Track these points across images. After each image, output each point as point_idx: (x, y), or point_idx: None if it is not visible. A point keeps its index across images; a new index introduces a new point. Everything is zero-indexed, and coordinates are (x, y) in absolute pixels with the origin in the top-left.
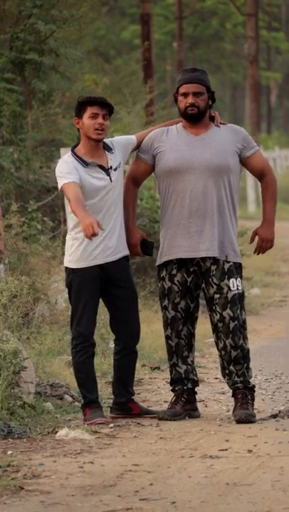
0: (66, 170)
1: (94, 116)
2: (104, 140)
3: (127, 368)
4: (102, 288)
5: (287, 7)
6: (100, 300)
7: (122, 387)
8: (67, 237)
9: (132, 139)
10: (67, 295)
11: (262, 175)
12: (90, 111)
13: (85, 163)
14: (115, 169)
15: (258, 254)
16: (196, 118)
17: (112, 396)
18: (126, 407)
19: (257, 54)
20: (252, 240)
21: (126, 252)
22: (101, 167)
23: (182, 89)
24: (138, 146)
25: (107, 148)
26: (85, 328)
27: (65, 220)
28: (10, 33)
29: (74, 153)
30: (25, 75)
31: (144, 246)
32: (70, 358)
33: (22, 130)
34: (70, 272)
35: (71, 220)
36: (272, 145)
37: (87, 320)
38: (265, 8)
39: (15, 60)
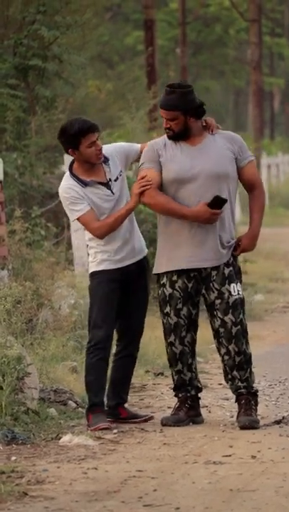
0: (72, 200)
1: (91, 144)
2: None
3: (123, 371)
4: (121, 292)
5: None
6: None
7: (114, 390)
8: (88, 246)
9: (136, 146)
10: (71, 301)
11: (252, 187)
12: (86, 141)
13: (83, 184)
14: (116, 179)
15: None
16: (174, 139)
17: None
18: (115, 411)
19: (260, 60)
20: (236, 247)
21: (144, 253)
22: (101, 183)
23: (160, 112)
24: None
25: (104, 159)
26: (98, 330)
27: (68, 226)
28: (13, 39)
29: (72, 175)
30: (29, 81)
31: (214, 206)
32: (74, 364)
33: (26, 136)
34: (90, 276)
35: (87, 232)
36: (276, 151)
37: (102, 323)
38: (268, 14)
39: (18, 66)
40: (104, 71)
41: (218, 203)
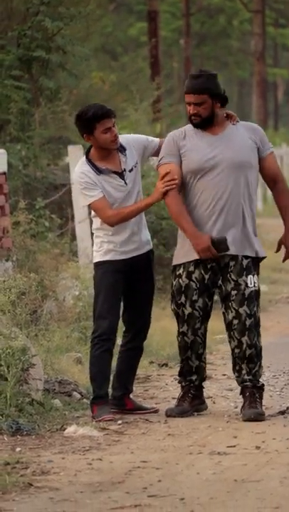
0: (87, 186)
1: (107, 130)
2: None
3: (129, 362)
4: (125, 283)
5: None
6: None
7: (120, 381)
8: (94, 236)
9: (155, 140)
10: (75, 292)
11: (274, 180)
12: (101, 126)
13: (98, 171)
14: (130, 170)
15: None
16: (201, 126)
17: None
18: (121, 401)
19: (264, 51)
20: (278, 249)
21: (150, 246)
22: (115, 172)
23: (185, 98)
24: (158, 152)
25: (121, 148)
26: (103, 321)
27: (72, 217)
28: (17, 31)
29: (88, 161)
30: (33, 73)
31: (216, 245)
32: (78, 355)
33: (29, 127)
34: (95, 266)
35: (94, 221)
36: (280, 142)
37: (107, 314)
38: (272, 5)
39: (22, 58)
40: (107, 62)
41: (221, 244)
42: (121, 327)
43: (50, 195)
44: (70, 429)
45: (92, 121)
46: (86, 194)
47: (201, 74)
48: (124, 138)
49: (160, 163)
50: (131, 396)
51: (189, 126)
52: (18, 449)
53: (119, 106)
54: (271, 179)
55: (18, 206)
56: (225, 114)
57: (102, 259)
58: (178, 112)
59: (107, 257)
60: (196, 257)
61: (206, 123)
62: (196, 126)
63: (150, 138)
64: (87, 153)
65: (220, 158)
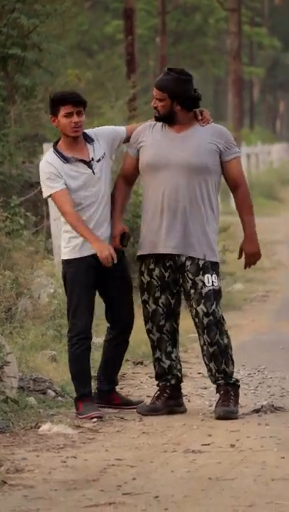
0: (50, 176)
1: (68, 115)
2: (86, 131)
3: (115, 356)
4: (99, 279)
5: (269, 2)
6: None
7: (106, 375)
8: (62, 230)
9: (121, 130)
10: (50, 290)
11: (235, 185)
12: (63, 110)
13: (65, 159)
14: (98, 160)
15: (249, 267)
16: (160, 121)
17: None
18: (108, 396)
19: (239, 49)
20: (240, 256)
21: None
22: (82, 161)
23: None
24: (128, 139)
25: (89, 139)
26: (80, 320)
27: (48, 215)
28: None
29: (55, 150)
30: (8, 70)
31: (121, 238)
32: (53, 352)
33: (5, 125)
34: (65, 263)
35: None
36: (255, 140)
37: (82, 312)
38: (248, 4)
39: None
40: (83, 60)
41: (122, 238)
42: (104, 322)
43: (26, 193)
44: (45, 427)
45: (56, 103)
46: (48, 185)
47: (169, 73)
48: (91, 131)
49: (125, 152)
50: (117, 391)
51: (160, 123)
52: None
53: (94, 103)
54: (232, 184)
55: None
56: (199, 115)
57: (72, 257)
58: (153, 110)
59: (77, 254)
60: (144, 251)
61: (164, 120)
62: (156, 119)
63: (116, 128)
64: (55, 143)
65: (174, 157)
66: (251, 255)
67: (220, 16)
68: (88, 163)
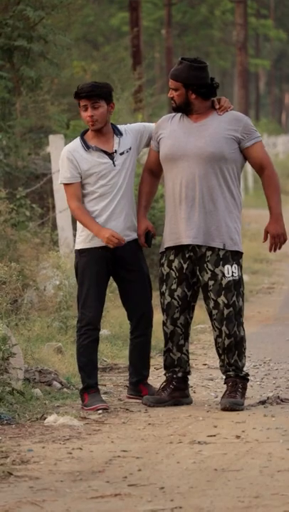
0: (67, 165)
1: (84, 108)
2: (118, 126)
3: (138, 350)
4: (112, 270)
5: None
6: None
7: (133, 367)
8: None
9: (151, 126)
10: (56, 282)
11: (261, 168)
12: (81, 103)
13: (86, 147)
14: (122, 153)
15: (274, 251)
16: (177, 111)
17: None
18: (136, 387)
19: (245, 41)
20: (265, 239)
21: (134, 235)
22: (103, 151)
23: None
24: None
25: (117, 132)
26: (88, 310)
27: (53, 207)
28: None
29: (81, 137)
30: (14, 62)
31: (146, 237)
32: (59, 344)
33: (11, 117)
34: (77, 253)
35: None
36: (261, 132)
37: (91, 303)
38: None
39: (3, 47)
40: (89, 52)
41: (147, 238)
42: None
43: (31, 185)
44: (51, 419)
45: (76, 96)
46: (62, 173)
47: (182, 61)
48: (123, 126)
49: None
50: (147, 382)
51: (179, 113)
52: None
53: None
54: (258, 167)
55: None
56: (216, 103)
57: (84, 247)
58: (159, 102)
59: (89, 244)
60: (167, 244)
61: (181, 110)
62: (173, 110)
63: (146, 124)
64: (84, 132)
65: (190, 147)
66: (277, 236)
67: (226, 7)
68: (110, 155)
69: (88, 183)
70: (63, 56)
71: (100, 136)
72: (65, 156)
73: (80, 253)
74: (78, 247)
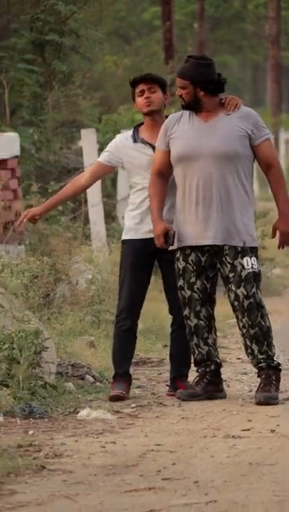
0: (108, 148)
1: (141, 93)
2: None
3: (178, 345)
4: (153, 262)
5: None
6: None
7: (173, 364)
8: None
9: None
10: (88, 276)
11: (268, 166)
12: (137, 90)
13: (134, 139)
14: None
15: (282, 248)
16: (187, 109)
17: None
18: (174, 384)
19: (278, 35)
20: (273, 235)
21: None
22: (149, 144)
23: None
24: None
25: None
26: (122, 300)
27: (86, 201)
28: (30, 14)
29: (135, 128)
30: (46, 56)
31: (166, 237)
32: (92, 338)
33: (42, 111)
34: (122, 243)
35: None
36: None
37: (125, 293)
38: None
39: (35, 41)
40: (121, 46)
41: (167, 238)
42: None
43: (63, 179)
44: (83, 413)
45: (132, 85)
46: (102, 152)
47: (188, 59)
48: None
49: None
50: (185, 379)
51: (188, 112)
52: (30, 432)
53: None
54: (265, 166)
55: (30, 190)
56: (223, 100)
57: (124, 238)
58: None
59: (127, 236)
60: (184, 243)
61: (190, 107)
62: (183, 108)
63: None
64: (139, 124)
65: (204, 147)
66: (286, 234)
67: (259, 1)
68: (154, 147)
69: (132, 175)
70: (95, 50)
71: (153, 127)
72: (113, 141)
73: (122, 243)
74: (122, 237)
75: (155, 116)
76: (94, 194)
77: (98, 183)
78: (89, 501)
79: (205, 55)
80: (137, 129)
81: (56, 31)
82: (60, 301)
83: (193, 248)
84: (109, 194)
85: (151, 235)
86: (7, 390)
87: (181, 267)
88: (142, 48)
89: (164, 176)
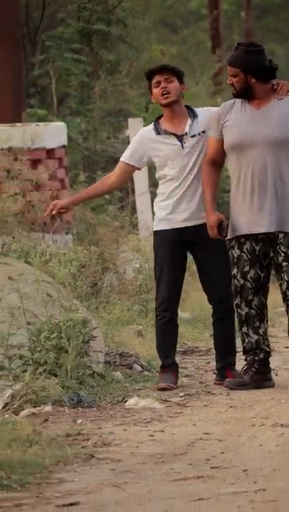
0: (131, 145)
1: (157, 84)
2: (197, 108)
3: (221, 335)
4: (188, 252)
5: None
6: None
7: (220, 354)
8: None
9: None
10: (136, 265)
11: None
12: (153, 82)
13: (157, 132)
14: (193, 136)
15: None
16: (238, 97)
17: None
18: (223, 373)
19: None
20: None
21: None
22: (173, 134)
23: None
24: None
25: (191, 114)
26: (162, 292)
27: (133, 190)
28: (77, 4)
29: (156, 121)
30: (93, 46)
31: (220, 228)
32: (139, 327)
33: (89, 100)
34: (153, 234)
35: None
36: None
37: (163, 284)
38: None
39: (82, 31)
40: (168, 35)
41: (221, 229)
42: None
43: (110, 168)
44: (132, 401)
45: (147, 78)
46: (126, 150)
47: (238, 47)
48: (200, 109)
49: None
50: (234, 368)
51: (239, 100)
52: (79, 421)
53: None
54: None
55: (78, 179)
56: (275, 86)
57: (156, 229)
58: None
59: (158, 227)
60: (238, 232)
61: (242, 95)
62: (234, 96)
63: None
64: (159, 117)
65: (257, 135)
66: None
67: None
68: (179, 137)
69: (159, 166)
70: (142, 39)
71: (174, 118)
72: (136, 137)
73: (154, 235)
74: (154, 228)
75: (174, 106)
76: (141, 183)
77: (145, 171)
78: (137, 490)
79: (254, 42)
80: (157, 121)
81: (103, 20)
82: (107, 290)
83: (248, 237)
84: (157, 183)
85: (184, 225)
86: (55, 380)
87: (235, 255)
88: (189, 36)
89: (217, 165)
